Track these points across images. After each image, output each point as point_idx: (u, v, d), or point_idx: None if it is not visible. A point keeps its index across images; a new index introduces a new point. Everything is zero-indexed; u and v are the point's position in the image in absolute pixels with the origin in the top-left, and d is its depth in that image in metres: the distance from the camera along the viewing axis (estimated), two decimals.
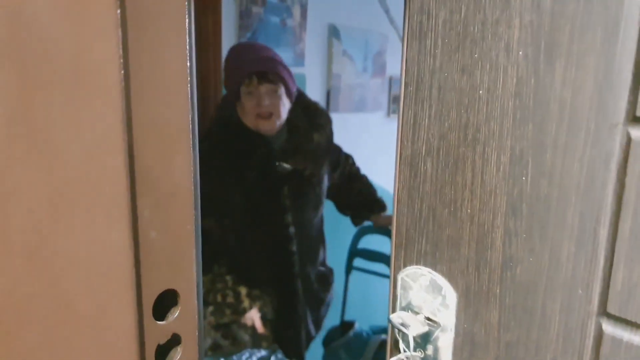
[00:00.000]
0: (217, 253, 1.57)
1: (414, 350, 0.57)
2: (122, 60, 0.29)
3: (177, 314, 0.37)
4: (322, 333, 1.91)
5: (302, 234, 1.60)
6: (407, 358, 0.56)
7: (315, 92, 2.63)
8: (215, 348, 1.65)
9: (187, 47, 0.34)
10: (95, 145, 0.29)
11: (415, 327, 0.56)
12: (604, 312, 0.42)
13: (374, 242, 1.98)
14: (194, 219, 0.36)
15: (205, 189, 1.42)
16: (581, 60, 0.41)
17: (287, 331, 1.66)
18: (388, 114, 3.24)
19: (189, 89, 0.35)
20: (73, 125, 0.29)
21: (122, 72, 0.29)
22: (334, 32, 2.65)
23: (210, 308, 1.58)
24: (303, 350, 1.72)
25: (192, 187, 0.36)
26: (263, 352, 1.38)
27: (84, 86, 0.28)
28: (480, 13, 0.47)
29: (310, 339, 1.75)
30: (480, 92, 0.48)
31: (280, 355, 1.35)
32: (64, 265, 0.30)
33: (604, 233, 0.41)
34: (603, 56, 0.40)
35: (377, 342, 1.87)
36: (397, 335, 0.60)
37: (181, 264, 0.36)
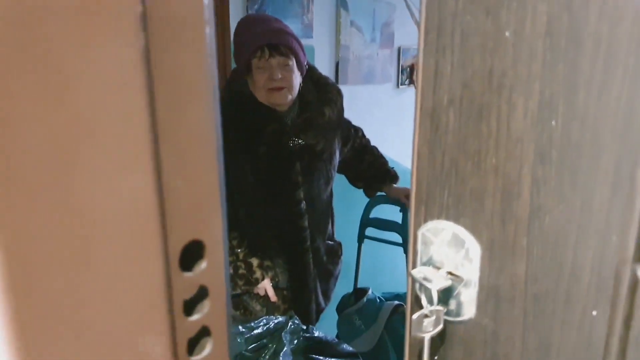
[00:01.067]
0: (231, 227, 1.56)
1: (437, 304, 0.56)
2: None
3: (204, 265, 0.36)
4: (336, 300, 1.94)
5: (313, 209, 1.60)
6: (430, 313, 0.55)
7: (323, 64, 2.60)
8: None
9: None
10: (115, 88, 0.28)
11: (437, 281, 0.54)
12: None
13: (385, 211, 1.99)
14: (217, 170, 0.36)
15: None
16: None
17: (298, 304, 1.67)
18: (397, 85, 3.20)
19: (207, 36, 0.33)
20: (91, 69, 0.27)
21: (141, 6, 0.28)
22: (341, 2, 2.61)
23: None
24: (314, 321, 1.74)
25: (215, 138, 0.36)
26: (280, 318, 1.38)
27: (102, 26, 0.27)
28: None
29: (320, 310, 1.78)
30: (507, 34, 0.46)
31: (297, 321, 1.36)
32: (85, 215, 0.29)
33: None
34: None
35: (390, 308, 1.88)
36: (418, 291, 0.59)
37: (207, 215, 0.36)
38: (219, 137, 0.37)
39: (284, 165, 1.51)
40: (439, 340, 0.59)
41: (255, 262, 1.56)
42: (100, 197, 0.29)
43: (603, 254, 0.43)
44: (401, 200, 1.81)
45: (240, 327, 1.31)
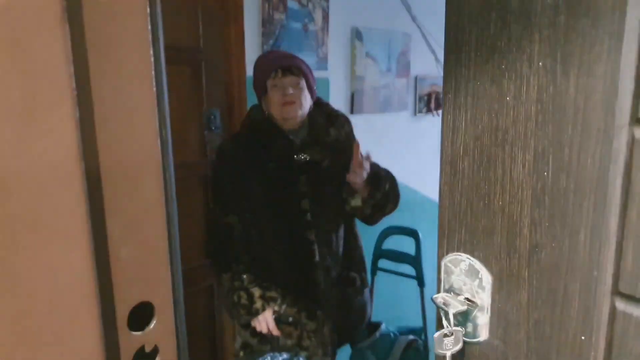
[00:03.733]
0: (240, 250, 1.61)
1: (455, 326, 0.64)
2: (77, 91, 0.31)
3: (153, 324, 0.39)
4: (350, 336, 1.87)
5: (320, 224, 1.63)
6: (449, 332, 0.63)
7: (339, 96, 2.62)
8: (245, 347, 1.70)
9: (153, 73, 0.36)
10: (51, 176, 0.31)
11: (454, 306, 0.63)
12: (616, 291, 0.48)
13: (398, 243, 1.96)
14: (167, 235, 0.38)
15: (232, 185, 1.45)
16: (591, 69, 0.47)
17: (308, 331, 1.65)
18: (414, 113, 3.18)
19: (156, 113, 0.37)
20: (25, 157, 0.30)
21: (77, 103, 0.32)
22: (356, 34, 2.64)
23: (232, 309, 1.61)
24: (328, 349, 1.70)
25: (164, 210, 0.38)
26: (285, 355, 1.38)
27: (36, 118, 0.30)
28: (507, 29, 0.54)
29: (334, 344, 1.73)
30: (508, 98, 0.55)
31: (301, 358, 1.37)
32: (25, 293, 0.32)
33: (614, 221, 0.47)
34: (610, 64, 0.46)
35: (404, 342, 1.85)
36: (441, 313, 0.67)
37: (155, 278, 0.39)
38: (170, 202, 0.40)
39: (290, 177, 1.61)
40: (460, 359, 0.67)
41: (257, 292, 1.59)
42: (40, 277, 0.31)
43: (587, 286, 0.50)
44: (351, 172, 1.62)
45: None
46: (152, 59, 0.38)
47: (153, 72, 0.38)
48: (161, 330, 0.40)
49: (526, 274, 0.56)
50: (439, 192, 0.68)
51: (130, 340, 0.38)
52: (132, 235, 0.38)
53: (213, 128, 2.19)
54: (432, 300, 0.66)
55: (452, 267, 0.66)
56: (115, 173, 0.36)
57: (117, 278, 0.37)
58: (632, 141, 0.45)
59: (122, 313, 0.37)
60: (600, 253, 0.49)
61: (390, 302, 2.47)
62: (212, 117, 2.19)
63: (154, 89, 0.38)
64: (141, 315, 0.39)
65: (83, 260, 0.34)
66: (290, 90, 1.57)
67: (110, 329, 0.36)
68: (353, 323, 1.82)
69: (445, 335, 0.64)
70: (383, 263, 2.02)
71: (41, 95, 0.31)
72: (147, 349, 0.40)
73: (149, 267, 0.39)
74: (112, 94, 0.35)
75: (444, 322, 0.66)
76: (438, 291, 0.69)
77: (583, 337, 0.51)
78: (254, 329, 1.64)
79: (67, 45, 0.32)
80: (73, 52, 0.32)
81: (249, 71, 2.17)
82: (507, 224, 0.58)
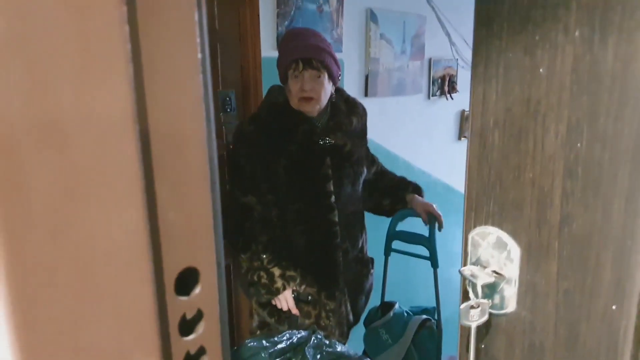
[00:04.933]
0: (258, 231, 1.63)
1: (482, 298, 0.65)
2: (131, 51, 0.32)
3: (198, 290, 0.40)
4: (363, 314, 1.91)
5: (343, 207, 1.66)
6: (475, 304, 0.64)
7: (353, 77, 2.60)
8: (262, 326, 1.73)
9: (198, 40, 0.37)
10: (108, 133, 0.32)
11: (482, 278, 0.64)
12: None
13: (412, 224, 1.95)
14: (211, 202, 0.39)
15: (251, 166, 1.47)
16: (632, 36, 0.47)
17: (326, 313, 1.69)
18: (428, 96, 3.16)
19: (201, 78, 0.38)
20: (84, 113, 0.31)
21: (132, 63, 0.33)
22: (371, 16, 2.62)
23: (251, 288, 1.64)
24: (344, 334, 1.75)
25: (209, 174, 0.39)
26: (303, 333, 1.36)
27: (93, 75, 0.31)
28: None
29: (349, 325, 1.78)
30: (541, 69, 0.55)
31: (319, 336, 1.36)
32: (84, 244, 0.33)
33: None
34: None
35: (417, 322, 1.85)
36: (468, 286, 0.68)
37: (200, 244, 0.40)
38: (214, 173, 0.40)
39: (315, 160, 1.61)
40: (484, 330, 0.68)
41: (277, 271, 1.61)
42: (97, 231, 0.32)
43: (620, 256, 0.50)
44: (421, 216, 1.81)
45: (264, 342, 1.31)
46: (197, 25, 0.38)
47: (198, 39, 0.38)
48: (206, 296, 0.41)
49: (556, 244, 0.57)
50: (466, 164, 0.68)
51: (177, 304, 0.39)
52: (178, 199, 0.38)
53: (228, 110, 2.20)
54: (460, 272, 0.67)
55: (480, 240, 0.67)
56: (163, 135, 0.36)
57: (166, 241, 0.37)
58: None
59: (170, 276, 0.38)
60: (634, 222, 0.49)
61: (403, 282, 2.50)
62: (228, 98, 2.19)
63: (199, 54, 0.38)
64: (184, 281, 0.40)
65: (136, 219, 0.35)
66: (309, 86, 1.56)
67: (159, 292, 0.37)
68: (365, 303, 1.87)
69: (472, 307, 0.65)
70: (397, 244, 2.04)
71: (99, 54, 0.32)
72: (192, 314, 0.41)
73: (195, 232, 0.40)
74: (160, 57, 0.36)
75: (471, 294, 0.67)
76: (464, 264, 0.70)
77: (614, 307, 0.52)
78: (272, 308, 1.67)
79: (122, 6, 0.32)
80: (128, 13, 0.33)
81: (264, 52, 2.18)
82: (537, 195, 0.58)
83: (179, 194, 0.38)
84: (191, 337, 0.40)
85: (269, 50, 2.19)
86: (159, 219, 0.37)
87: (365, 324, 1.96)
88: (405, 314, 1.92)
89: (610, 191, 0.50)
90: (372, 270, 1.86)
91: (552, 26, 0.53)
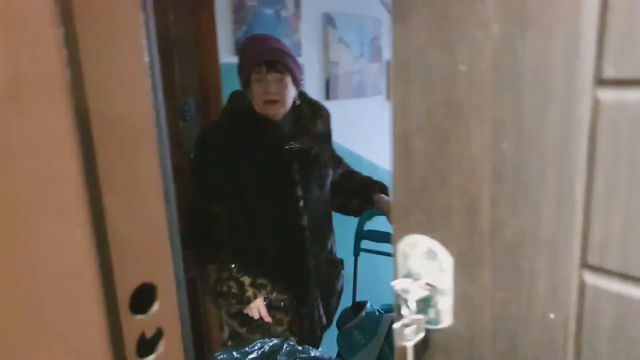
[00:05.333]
0: (225, 240, 1.61)
1: (417, 314, 0.60)
2: (67, 56, 0.30)
3: (156, 306, 0.38)
4: (335, 316, 1.94)
5: (311, 211, 1.66)
6: (410, 321, 0.59)
7: (314, 81, 2.64)
8: (233, 337, 1.70)
9: (145, 42, 0.35)
10: (49, 149, 0.30)
11: (415, 292, 0.59)
12: (584, 264, 0.46)
13: (380, 224, 2.02)
14: (165, 212, 0.37)
15: (216, 174, 1.43)
16: (551, 30, 0.44)
17: (299, 319, 1.69)
18: (388, 97, 3.24)
19: (149, 83, 0.36)
20: (23, 130, 0.29)
21: (69, 67, 0.30)
22: (329, 20, 2.66)
23: (220, 299, 1.61)
24: (317, 339, 1.75)
25: (163, 183, 0.37)
26: (275, 341, 1.36)
27: (30, 91, 0.29)
28: None
29: (322, 328, 1.79)
30: (461, 67, 0.51)
31: (292, 342, 1.36)
32: (25, 267, 0.30)
33: (580, 190, 0.44)
34: (570, 24, 0.43)
35: (389, 319, 1.89)
36: (400, 302, 0.63)
37: (156, 258, 0.37)
38: (167, 178, 0.38)
39: (282, 165, 1.61)
40: (423, 348, 0.64)
41: (247, 280, 1.59)
42: (36, 249, 0.30)
43: (554, 261, 0.48)
44: (388, 215, 1.83)
45: (234, 353, 1.29)
46: (143, 26, 0.35)
47: (144, 41, 0.35)
48: (165, 313, 0.39)
49: (489, 253, 0.53)
50: (391, 173, 0.64)
51: (134, 324, 0.36)
52: (130, 212, 0.36)
53: (187, 118, 2.11)
54: (392, 287, 0.62)
55: (410, 251, 0.62)
56: (109, 144, 0.34)
57: (117, 257, 0.35)
58: (595, 104, 0.42)
59: (123, 295, 0.35)
60: (566, 225, 0.46)
61: (373, 281, 2.54)
62: (187, 106, 2.10)
63: (147, 58, 0.36)
64: (142, 299, 0.38)
65: (81, 234, 0.32)
66: (274, 88, 1.56)
67: (112, 312, 0.35)
68: (337, 305, 1.89)
69: (406, 325, 0.60)
70: (366, 244, 2.08)
71: (30, 61, 0.29)
72: (151, 333, 0.38)
73: (150, 246, 0.38)
74: (102, 61, 0.33)
75: (404, 311, 0.63)
76: (395, 278, 0.65)
77: (552, 315, 0.49)
78: (242, 317, 1.64)
79: (53, 7, 0.29)
80: (61, 14, 0.30)
81: (223, 58, 2.15)
82: (466, 201, 0.54)
83: (130, 206, 0.35)
84: (151, 357, 0.38)
85: (227, 56, 2.16)
86: (109, 232, 0.33)
87: (338, 325, 1.98)
88: (377, 313, 1.96)
89: (539, 194, 0.47)
90: (342, 272, 1.88)
91: (470, 21, 0.49)
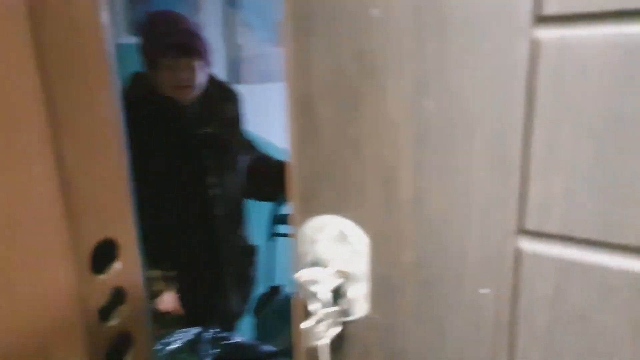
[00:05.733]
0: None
1: (326, 307, 0.52)
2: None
3: (118, 266, 0.35)
4: (252, 304, 1.91)
5: (224, 198, 1.62)
6: (324, 317, 0.51)
7: (217, 64, 2.50)
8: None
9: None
10: (9, 88, 0.28)
11: (328, 281, 0.51)
12: (521, 229, 0.41)
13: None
14: (125, 166, 0.36)
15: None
16: None
17: (214, 307, 1.66)
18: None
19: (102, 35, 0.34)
20: None
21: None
22: (231, 1, 2.54)
23: None
24: (234, 326, 1.75)
25: (121, 134, 0.36)
26: (193, 331, 1.34)
27: None
28: None
29: (239, 314, 1.78)
30: (374, 12, 0.44)
31: (211, 331, 1.34)
32: None
33: (516, 148, 0.40)
34: None
35: None
36: (306, 295, 0.54)
37: (118, 212, 0.34)
38: (123, 134, 0.36)
39: (192, 152, 1.56)
40: (338, 344, 0.56)
41: (158, 273, 1.53)
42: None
43: (487, 230, 0.43)
44: None
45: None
46: None
47: None
48: (127, 272, 0.36)
49: (411, 228, 0.47)
50: (290, 146, 0.55)
51: (94, 285, 0.33)
52: (89, 158, 0.33)
53: None
54: (296, 279, 0.53)
55: (316, 235, 0.54)
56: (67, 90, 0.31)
57: (77, 209, 0.32)
58: (534, 45, 0.37)
59: (84, 252, 0.33)
60: (500, 190, 0.41)
61: (288, 265, 2.44)
62: None
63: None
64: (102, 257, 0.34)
65: (49, 181, 0.30)
66: (185, 74, 1.47)
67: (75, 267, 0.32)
68: (252, 291, 1.85)
69: (320, 321, 0.52)
70: (279, 228, 2.06)
71: None
72: (112, 292, 0.35)
73: (110, 196, 0.35)
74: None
75: (312, 306, 0.54)
76: (297, 269, 0.56)
77: (484, 291, 0.44)
78: (154, 315, 1.52)
79: None
80: None
81: (119, 39, 1.91)
82: (383, 172, 0.47)
83: (90, 156, 0.34)
84: (113, 322, 0.36)
85: (123, 36, 1.94)
86: (68, 182, 0.32)
87: (256, 312, 1.94)
88: (293, 296, 1.86)
89: (468, 157, 0.42)
90: (256, 258, 1.85)
91: None
